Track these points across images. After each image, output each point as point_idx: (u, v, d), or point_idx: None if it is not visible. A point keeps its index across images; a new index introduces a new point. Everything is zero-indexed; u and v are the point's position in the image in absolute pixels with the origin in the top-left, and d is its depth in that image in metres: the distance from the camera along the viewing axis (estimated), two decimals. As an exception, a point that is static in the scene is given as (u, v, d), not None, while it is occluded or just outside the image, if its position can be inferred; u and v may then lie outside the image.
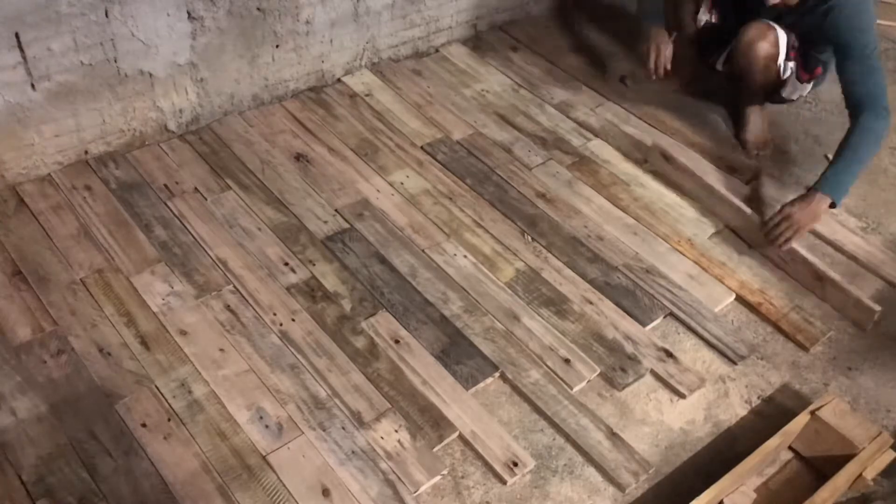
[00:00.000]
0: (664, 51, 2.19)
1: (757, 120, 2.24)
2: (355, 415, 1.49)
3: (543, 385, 1.58)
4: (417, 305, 1.70)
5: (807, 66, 2.15)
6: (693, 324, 1.74)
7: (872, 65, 1.87)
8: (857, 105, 1.87)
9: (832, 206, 1.85)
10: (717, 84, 2.37)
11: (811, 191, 1.85)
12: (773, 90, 2.21)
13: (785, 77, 2.15)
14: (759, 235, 1.90)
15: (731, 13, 2.20)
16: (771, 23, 2.05)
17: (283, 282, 1.72)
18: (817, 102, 2.48)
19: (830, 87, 2.54)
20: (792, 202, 1.85)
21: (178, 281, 1.68)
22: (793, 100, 2.27)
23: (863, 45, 1.88)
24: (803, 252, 1.85)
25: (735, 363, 1.69)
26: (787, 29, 2.06)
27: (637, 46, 2.27)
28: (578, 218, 1.96)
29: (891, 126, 1.88)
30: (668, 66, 2.19)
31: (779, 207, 1.87)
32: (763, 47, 2.04)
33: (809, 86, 2.22)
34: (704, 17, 2.23)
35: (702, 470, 1.49)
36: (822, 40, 2.03)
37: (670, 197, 2.06)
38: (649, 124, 2.28)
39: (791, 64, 2.13)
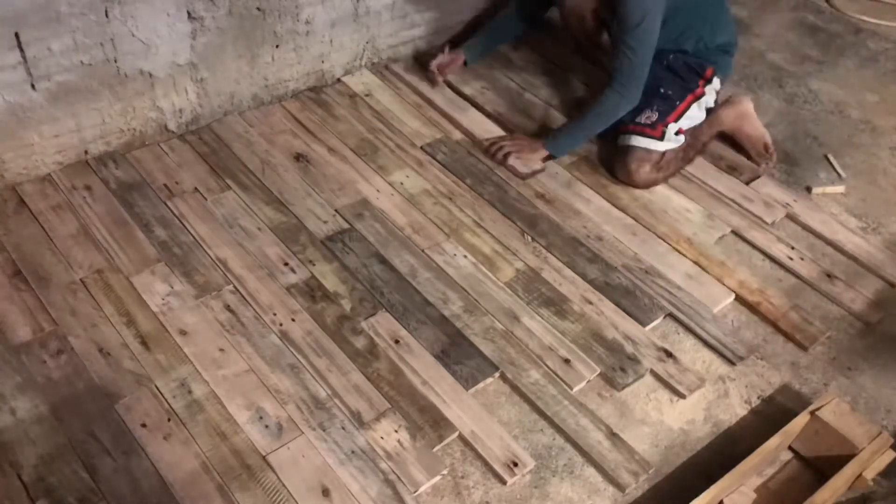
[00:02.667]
0: (442, 63, 2.28)
1: (747, 132, 2.18)
2: (355, 415, 1.49)
3: (543, 385, 1.58)
4: (417, 305, 1.70)
5: (690, 83, 2.10)
6: (692, 324, 1.74)
7: (633, 43, 1.92)
8: (609, 76, 2.00)
9: (549, 158, 2.09)
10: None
11: (541, 139, 2.07)
12: (686, 158, 2.12)
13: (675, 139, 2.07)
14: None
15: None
16: (638, 147, 2.02)
17: (283, 282, 1.72)
18: (817, 102, 2.48)
19: (830, 87, 2.56)
20: (523, 136, 2.11)
21: (178, 281, 1.68)
22: (712, 106, 2.17)
23: (633, 20, 1.91)
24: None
25: (734, 363, 1.69)
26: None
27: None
28: (578, 218, 1.96)
29: (627, 102, 1.99)
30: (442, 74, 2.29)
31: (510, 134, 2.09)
32: (637, 177, 2.03)
33: (713, 85, 2.13)
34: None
35: (702, 470, 1.49)
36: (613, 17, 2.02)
37: (670, 197, 2.06)
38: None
39: (679, 129, 2.08)
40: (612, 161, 2.08)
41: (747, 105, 2.17)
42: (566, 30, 2.24)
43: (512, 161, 2.06)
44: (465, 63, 2.33)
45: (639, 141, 2.03)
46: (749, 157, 2.20)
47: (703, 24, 2.11)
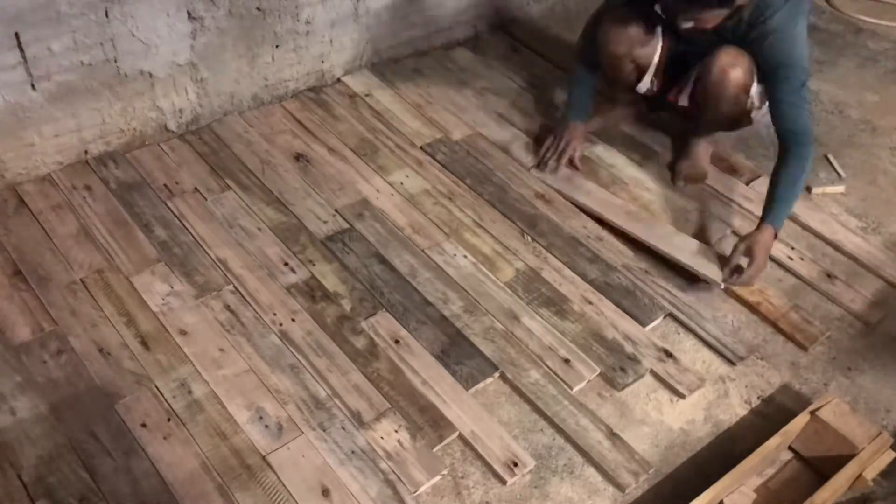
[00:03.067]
0: (576, 147, 2.08)
1: (700, 153, 2.11)
2: (355, 415, 1.49)
3: (543, 385, 1.58)
4: (417, 305, 1.70)
5: None
6: (692, 324, 1.74)
7: (805, 97, 1.81)
8: (793, 135, 1.81)
9: (776, 236, 1.82)
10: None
11: (763, 224, 1.80)
12: (736, 121, 2.03)
13: (750, 107, 1.97)
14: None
15: (681, 45, 2.01)
16: (741, 50, 1.86)
17: (283, 282, 1.72)
18: (817, 102, 2.48)
19: (830, 87, 2.55)
20: (747, 239, 1.79)
21: (178, 281, 1.68)
22: (752, 122, 2.05)
23: (799, 74, 1.79)
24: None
25: (734, 363, 1.69)
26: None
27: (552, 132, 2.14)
28: (578, 218, 1.96)
29: (812, 155, 1.83)
30: (574, 163, 2.08)
31: (734, 246, 1.80)
32: (736, 75, 1.86)
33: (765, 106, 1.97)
34: (646, 86, 2.06)
35: (702, 470, 1.49)
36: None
37: (670, 197, 2.06)
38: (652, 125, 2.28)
39: (758, 89, 1.95)
40: (718, 53, 1.86)
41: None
42: (605, 78, 2.07)
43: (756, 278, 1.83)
44: (587, 133, 2.15)
45: (751, 59, 1.87)
46: (673, 177, 2.11)
47: None
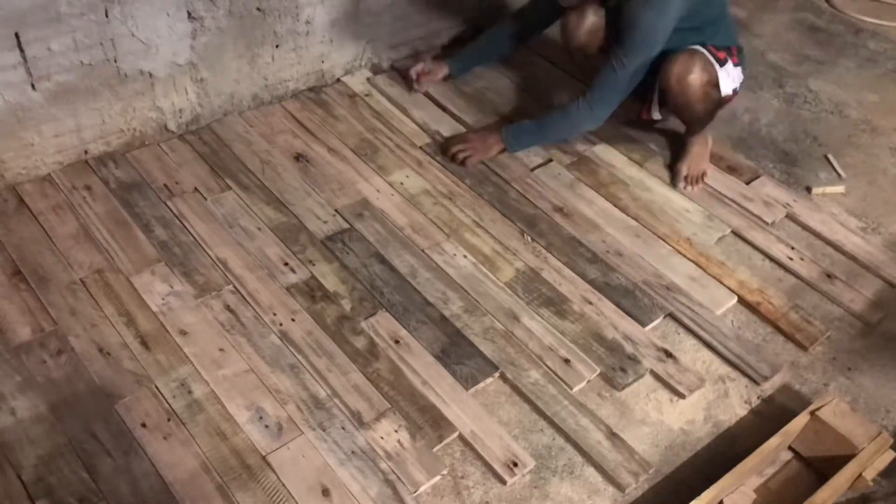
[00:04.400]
0: (425, 72, 2.26)
1: (697, 153, 2.10)
2: (355, 415, 1.49)
3: (543, 385, 1.58)
4: (417, 305, 1.70)
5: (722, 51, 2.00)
6: (692, 324, 1.74)
7: (626, 60, 1.86)
8: (590, 89, 1.94)
9: (503, 151, 2.08)
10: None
11: (497, 131, 2.07)
12: (715, 110, 2.03)
13: (719, 96, 2.00)
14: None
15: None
16: (692, 48, 1.92)
17: (283, 282, 1.72)
18: (817, 102, 2.48)
19: (830, 87, 2.56)
20: (476, 131, 2.11)
21: (177, 281, 1.68)
22: (730, 95, 2.05)
23: (629, 41, 1.85)
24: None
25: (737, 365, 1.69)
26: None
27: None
28: (596, 232, 1.96)
29: (591, 121, 1.97)
30: (417, 81, 2.27)
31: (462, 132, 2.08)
32: (694, 78, 1.90)
33: (737, 70, 2.04)
34: (656, 115, 2.14)
35: (702, 470, 1.49)
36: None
37: (670, 197, 2.06)
38: (652, 126, 2.27)
39: (732, 70, 2.00)
40: (669, 64, 1.92)
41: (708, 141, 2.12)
42: (566, 48, 2.13)
43: (470, 164, 2.06)
44: (449, 76, 2.29)
45: (705, 52, 1.93)
46: (674, 178, 2.11)
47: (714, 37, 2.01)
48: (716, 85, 1.95)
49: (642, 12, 1.84)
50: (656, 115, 2.15)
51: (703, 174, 2.10)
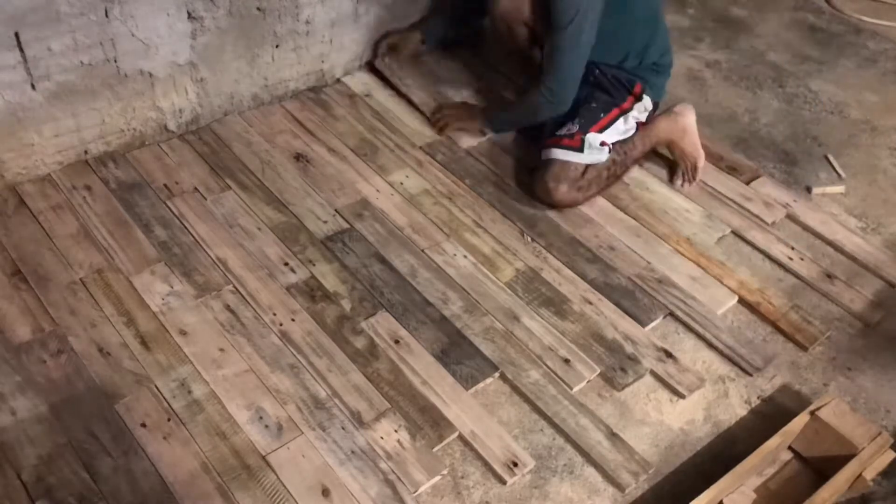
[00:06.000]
0: (398, 45, 2.30)
1: (680, 147, 2.05)
2: (355, 415, 1.49)
3: (543, 385, 1.58)
4: (417, 305, 1.70)
5: (616, 98, 1.99)
6: (693, 324, 1.74)
7: (563, 43, 1.86)
8: (540, 74, 1.95)
9: (483, 130, 2.13)
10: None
11: (480, 109, 2.14)
12: (610, 175, 1.98)
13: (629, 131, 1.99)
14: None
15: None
16: (557, 160, 1.90)
17: (283, 282, 1.72)
18: (817, 102, 2.49)
19: (830, 87, 2.56)
20: (459, 104, 2.20)
21: (177, 281, 1.68)
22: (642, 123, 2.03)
23: (564, 19, 1.83)
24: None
25: (751, 374, 1.68)
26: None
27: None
28: (589, 227, 1.96)
29: (553, 106, 1.95)
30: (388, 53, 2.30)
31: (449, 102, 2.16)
32: (561, 193, 1.91)
33: (643, 103, 2.02)
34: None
35: (702, 470, 1.49)
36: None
37: (670, 197, 2.06)
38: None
39: (603, 141, 1.95)
40: (533, 179, 1.96)
41: (690, 119, 2.03)
42: (497, 38, 2.13)
43: (452, 132, 2.13)
44: (422, 42, 2.29)
45: (558, 154, 1.90)
46: (673, 169, 2.11)
47: (636, 39, 2.00)
48: (578, 185, 1.91)
49: None
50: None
51: (696, 166, 2.08)
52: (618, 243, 1.91)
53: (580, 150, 1.91)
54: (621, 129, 1.99)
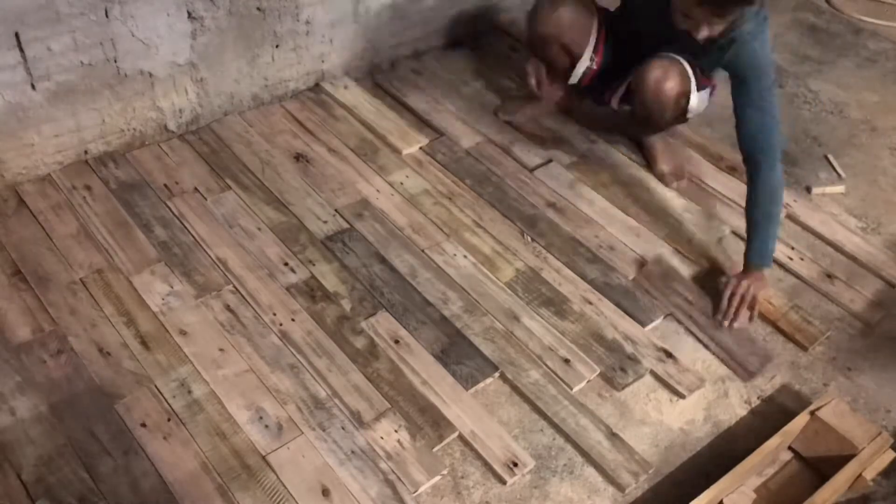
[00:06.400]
0: (541, 71, 2.11)
1: (667, 148, 2.12)
2: (355, 415, 1.49)
3: (543, 385, 1.58)
4: (417, 305, 1.70)
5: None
6: (693, 324, 1.74)
7: (770, 111, 1.76)
8: (756, 155, 1.76)
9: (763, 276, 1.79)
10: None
11: (750, 266, 1.76)
12: (675, 122, 2.03)
13: (693, 106, 1.96)
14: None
15: (624, 47, 1.99)
16: (673, 56, 1.86)
17: (283, 282, 1.72)
18: (817, 102, 2.48)
19: (830, 87, 2.56)
20: (738, 282, 1.75)
21: (177, 281, 1.68)
22: (690, 117, 2.02)
23: (762, 86, 1.74)
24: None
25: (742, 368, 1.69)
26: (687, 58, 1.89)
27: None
28: (589, 227, 1.96)
29: (781, 171, 1.77)
30: (544, 84, 2.13)
31: (728, 290, 1.76)
32: (671, 87, 1.85)
33: (707, 93, 2.00)
34: (584, 65, 2.02)
35: (702, 470, 1.49)
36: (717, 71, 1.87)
37: (670, 197, 2.06)
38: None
39: (702, 93, 1.96)
40: (648, 68, 1.86)
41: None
42: (528, 31, 2.03)
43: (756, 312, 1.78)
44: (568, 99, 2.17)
45: (683, 63, 1.86)
46: (661, 180, 2.10)
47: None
48: (687, 97, 1.91)
49: (758, 53, 1.74)
50: (615, 105, 2.10)
51: (684, 165, 2.09)
52: (618, 243, 1.91)
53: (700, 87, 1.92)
54: (703, 99, 1.97)
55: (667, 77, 1.85)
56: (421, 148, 2.11)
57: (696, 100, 1.94)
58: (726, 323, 1.74)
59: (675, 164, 2.11)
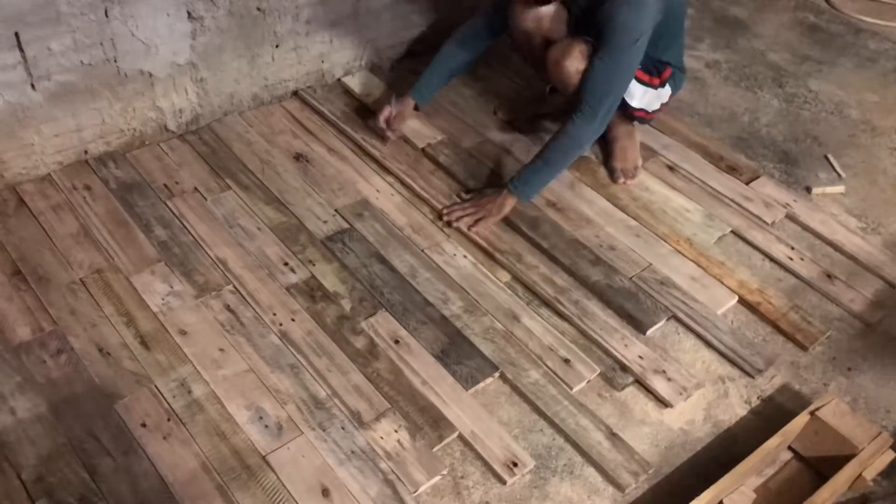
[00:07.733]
0: (392, 119, 2.08)
1: (624, 145, 2.10)
2: (355, 415, 1.49)
3: (543, 385, 1.58)
4: (417, 305, 1.70)
5: (650, 71, 1.98)
6: (693, 324, 1.74)
7: (618, 70, 1.79)
8: (584, 102, 1.82)
9: (517, 202, 1.91)
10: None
11: (508, 187, 1.88)
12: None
13: (635, 104, 1.99)
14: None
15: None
16: (577, 38, 1.85)
17: (283, 282, 1.72)
18: (817, 102, 2.48)
19: (830, 87, 2.56)
20: (482, 195, 1.92)
21: (177, 281, 1.68)
22: (655, 110, 2.06)
23: (618, 43, 1.76)
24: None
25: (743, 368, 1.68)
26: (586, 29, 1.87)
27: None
28: (589, 227, 1.96)
29: (594, 129, 1.83)
30: (385, 133, 2.08)
31: (472, 196, 1.93)
32: (572, 64, 1.83)
33: (665, 90, 2.03)
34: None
35: (701, 470, 1.49)
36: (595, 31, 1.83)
37: (670, 197, 2.06)
38: (651, 125, 2.27)
39: (650, 90, 2.00)
40: (549, 52, 1.88)
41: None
42: (511, 34, 2.01)
43: (477, 228, 1.87)
44: (416, 108, 2.12)
45: (584, 42, 1.85)
46: (611, 175, 2.10)
47: (673, 34, 1.98)
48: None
49: (618, 11, 1.76)
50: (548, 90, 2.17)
51: (636, 167, 2.10)
52: (618, 244, 1.91)
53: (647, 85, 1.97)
54: (651, 99, 2.02)
55: (565, 56, 1.85)
56: (421, 148, 2.11)
57: (641, 94, 1.98)
58: (446, 215, 1.90)
59: (629, 164, 2.10)
